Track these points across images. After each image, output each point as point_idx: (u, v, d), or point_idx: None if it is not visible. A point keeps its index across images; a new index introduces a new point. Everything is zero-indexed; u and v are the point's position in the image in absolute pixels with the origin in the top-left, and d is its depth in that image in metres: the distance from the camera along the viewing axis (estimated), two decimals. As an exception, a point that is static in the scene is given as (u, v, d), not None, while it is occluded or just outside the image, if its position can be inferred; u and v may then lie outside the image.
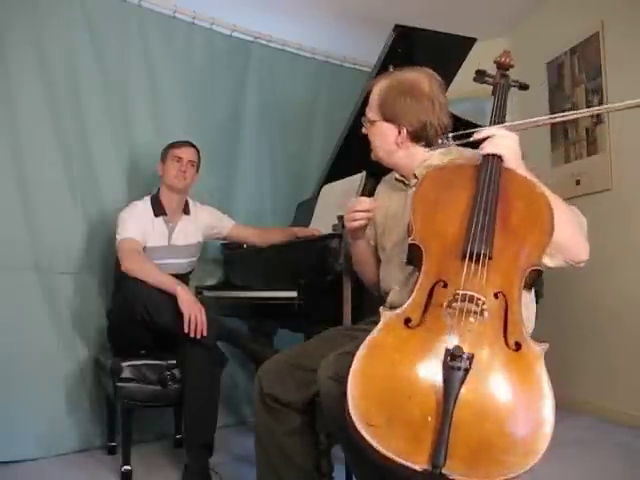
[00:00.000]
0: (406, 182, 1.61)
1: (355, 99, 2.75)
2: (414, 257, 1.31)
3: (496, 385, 1.09)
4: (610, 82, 3.06)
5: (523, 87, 1.63)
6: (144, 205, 2.56)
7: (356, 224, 1.56)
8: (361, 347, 1.15)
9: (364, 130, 1.63)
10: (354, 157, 2.61)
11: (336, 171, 2.76)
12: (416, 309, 1.18)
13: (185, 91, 3.20)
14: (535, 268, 1.22)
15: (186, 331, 2.16)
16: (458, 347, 1.09)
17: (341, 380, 1.27)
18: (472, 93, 3.86)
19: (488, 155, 1.31)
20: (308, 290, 2.14)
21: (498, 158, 1.31)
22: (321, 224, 2.58)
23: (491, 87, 1.57)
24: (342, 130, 2.83)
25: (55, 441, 2.54)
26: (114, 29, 2.96)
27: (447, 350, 1.09)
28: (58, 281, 2.67)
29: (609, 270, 3.03)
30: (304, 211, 2.94)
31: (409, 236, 1.31)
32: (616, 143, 3.04)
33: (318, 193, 2.84)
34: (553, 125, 3.50)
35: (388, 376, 1.11)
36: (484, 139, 1.34)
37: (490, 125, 1.42)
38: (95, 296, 2.77)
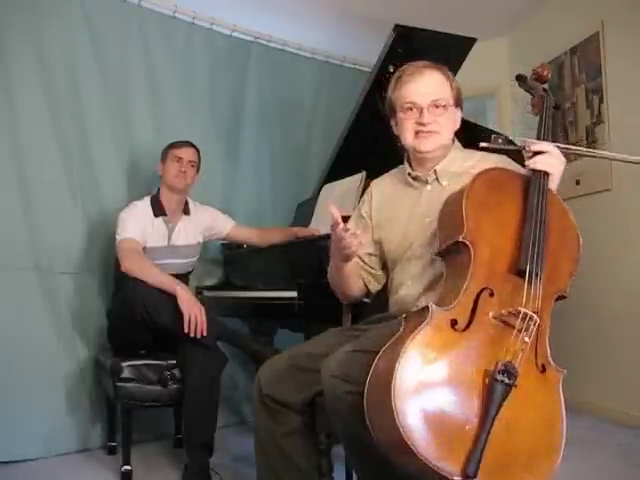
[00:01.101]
0: (423, 179, 1.58)
1: (355, 99, 2.75)
2: (457, 255, 1.27)
3: (527, 404, 1.11)
4: (610, 82, 3.06)
5: (556, 107, 1.61)
6: (144, 205, 2.56)
7: (352, 250, 1.44)
8: (408, 342, 1.10)
9: (429, 119, 1.49)
10: (354, 157, 2.63)
11: (336, 171, 2.76)
12: (463, 312, 1.16)
13: (185, 91, 3.20)
14: (562, 294, 1.25)
15: (186, 331, 2.15)
16: (511, 364, 1.09)
17: (345, 379, 1.26)
18: (472, 93, 3.88)
19: (539, 171, 1.31)
20: (308, 290, 2.14)
21: (546, 176, 1.30)
22: (321, 224, 2.58)
23: (530, 96, 1.58)
24: (342, 130, 2.83)
25: (55, 441, 2.54)
26: (114, 29, 2.96)
27: (498, 363, 1.09)
28: (58, 281, 2.67)
29: (609, 270, 3.03)
30: (304, 211, 2.94)
31: (457, 233, 1.26)
32: (616, 143, 3.04)
33: (318, 193, 2.84)
34: (553, 125, 3.49)
35: (433, 377, 1.09)
36: (538, 152, 1.34)
37: (538, 140, 1.41)
38: (95, 296, 2.77)
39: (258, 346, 2.44)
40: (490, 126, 3.53)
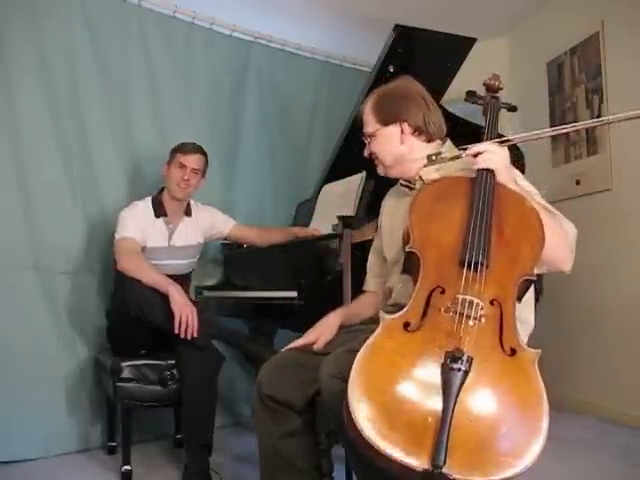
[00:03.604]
0: (411, 186, 1.63)
1: (355, 99, 2.75)
2: (411, 264, 1.34)
3: (493, 388, 1.12)
4: (610, 82, 3.06)
5: (512, 109, 1.71)
6: (145, 205, 2.56)
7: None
8: (361, 349, 1.16)
9: (366, 152, 1.66)
10: (354, 157, 2.62)
11: (336, 171, 2.76)
12: (415, 314, 1.21)
13: (185, 91, 3.20)
14: (528, 278, 1.28)
15: (176, 332, 2.16)
16: (458, 349, 1.12)
17: (343, 377, 1.27)
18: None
19: (482, 170, 1.37)
20: (308, 290, 2.14)
21: (491, 172, 1.36)
22: (321, 224, 2.58)
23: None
24: (342, 130, 2.83)
25: (55, 441, 2.54)
26: (114, 29, 2.96)
27: (447, 352, 1.12)
28: (58, 281, 2.67)
29: (608, 270, 3.03)
30: (304, 211, 2.94)
31: (406, 244, 1.34)
32: (616, 143, 3.04)
33: (318, 193, 2.84)
34: (553, 125, 3.50)
35: (388, 377, 1.13)
36: (477, 154, 1.38)
37: (484, 141, 1.46)
38: (95, 296, 2.77)
39: (255, 346, 2.44)
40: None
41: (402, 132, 1.59)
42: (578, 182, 3.28)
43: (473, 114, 3.23)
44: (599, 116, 3.11)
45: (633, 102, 2.89)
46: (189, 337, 2.17)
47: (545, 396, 1.11)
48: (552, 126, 3.48)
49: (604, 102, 3.08)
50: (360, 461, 1.37)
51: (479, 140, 1.46)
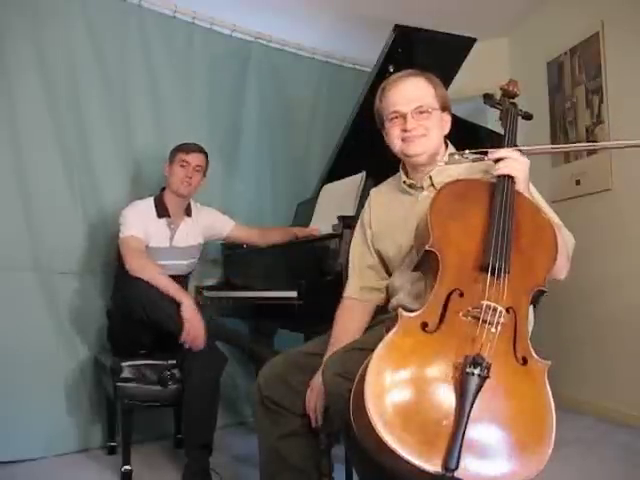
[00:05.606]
0: (417, 185, 1.59)
1: (355, 99, 2.75)
2: (428, 264, 1.32)
3: (507, 396, 1.13)
4: (610, 82, 3.06)
5: (527, 117, 1.67)
6: (147, 205, 2.56)
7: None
8: (379, 347, 1.15)
9: (413, 123, 1.51)
10: (354, 157, 2.63)
11: (336, 171, 2.76)
12: (432, 315, 1.20)
13: (185, 91, 3.20)
14: (540, 288, 1.27)
15: (182, 341, 2.18)
16: (479, 355, 1.11)
17: (348, 376, 1.27)
18: (472, 93, 3.87)
19: (503, 176, 1.35)
20: (308, 290, 2.14)
21: (511, 179, 1.35)
22: (321, 224, 2.58)
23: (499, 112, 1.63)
24: (342, 130, 2.83)
25: (55, 441, 2.54)
26: (114, 29, 2.96)
27: (467, 357, 1.11)
28: (58, 281, 2.67)
29: (608, 270, 3.03)
30: (304, 211, 2.94)
31: (425, 243, 1.31)
32: (616, 143, 3.04)
33: (318, 193, 2.84)
34: (553, 125, 3.50)
35: (406, 377, 1.12)
36: (499, 159, 1.38)
37: (504, 147, 1.45)
38: (95, 296, 2.77)
39: (257, 346, 2.43)
40: (490, 126, 3.53)
41: (449, 123, 1.59)
42: (578, 182, 3.28)
43: (473, 115, 3.23)
44: (599, 116, 3.11)
45: (633, 102, 2.90)
46: (194, 349, 2.19)
47: (553, 407, 1.12)
48: (552, 126, 3.49)
49: (604, 102, 3.07)
50: (363, 461, 1.37)
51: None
